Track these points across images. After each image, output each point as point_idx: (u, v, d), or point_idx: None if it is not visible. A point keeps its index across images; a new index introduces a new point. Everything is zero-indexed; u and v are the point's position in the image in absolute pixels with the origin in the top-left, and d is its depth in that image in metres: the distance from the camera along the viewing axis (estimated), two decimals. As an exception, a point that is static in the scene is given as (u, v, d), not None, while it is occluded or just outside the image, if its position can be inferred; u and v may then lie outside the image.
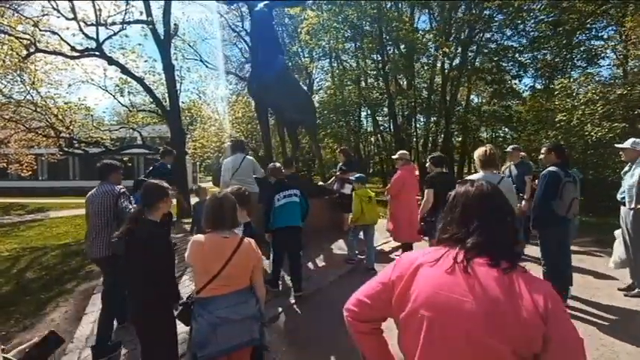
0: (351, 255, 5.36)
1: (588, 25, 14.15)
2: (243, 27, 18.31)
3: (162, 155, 5.29)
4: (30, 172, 18.49)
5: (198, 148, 18.61)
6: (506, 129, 16.54)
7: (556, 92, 8.69)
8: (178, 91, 12.86)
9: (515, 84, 16.19)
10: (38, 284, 5.27)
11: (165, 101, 12.31)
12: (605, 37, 14.85)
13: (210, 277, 1.99)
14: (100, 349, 3.21)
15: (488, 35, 15.88)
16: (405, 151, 5.37)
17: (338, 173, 6.39)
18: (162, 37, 11.51)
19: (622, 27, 13.83)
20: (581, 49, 14.71)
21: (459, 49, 14.93)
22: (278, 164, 4.88)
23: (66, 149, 12.56)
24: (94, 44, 10.64)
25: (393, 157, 5.42)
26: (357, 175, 5.55)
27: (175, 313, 2.20)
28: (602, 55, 15.23)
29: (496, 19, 14.81)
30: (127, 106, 13.57)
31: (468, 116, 17.68)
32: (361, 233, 5.27)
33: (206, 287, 2.01)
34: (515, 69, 15.34)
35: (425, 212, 4.15)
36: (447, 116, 16.52)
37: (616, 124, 7.13)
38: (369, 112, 20.41)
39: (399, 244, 5.70)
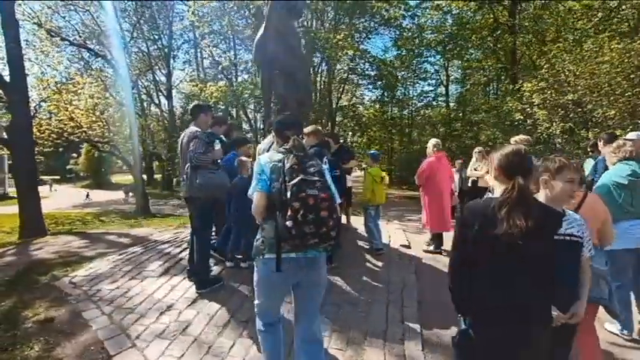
0: (377, 244, 4.96)
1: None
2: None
3: (212, 124, 4.21)
4: None
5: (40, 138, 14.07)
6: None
7: (519, 94, 10.48)
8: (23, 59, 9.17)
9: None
10: None
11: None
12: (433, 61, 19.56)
13: None
14: (203, 280, 3.49)
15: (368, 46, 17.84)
16: (437, 140, 5.26)
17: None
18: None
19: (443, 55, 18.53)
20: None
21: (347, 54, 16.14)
22: (319, 127, 4.53)
23: None
24: None
25: (431, 142, 5.20)
26: (372, 151, 5.55)
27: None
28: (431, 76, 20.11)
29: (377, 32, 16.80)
30: None
31: (346, 120, 19.32)
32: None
33: None
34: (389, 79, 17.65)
35: None
36: (331, 118, 17.63)
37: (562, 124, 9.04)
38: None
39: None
